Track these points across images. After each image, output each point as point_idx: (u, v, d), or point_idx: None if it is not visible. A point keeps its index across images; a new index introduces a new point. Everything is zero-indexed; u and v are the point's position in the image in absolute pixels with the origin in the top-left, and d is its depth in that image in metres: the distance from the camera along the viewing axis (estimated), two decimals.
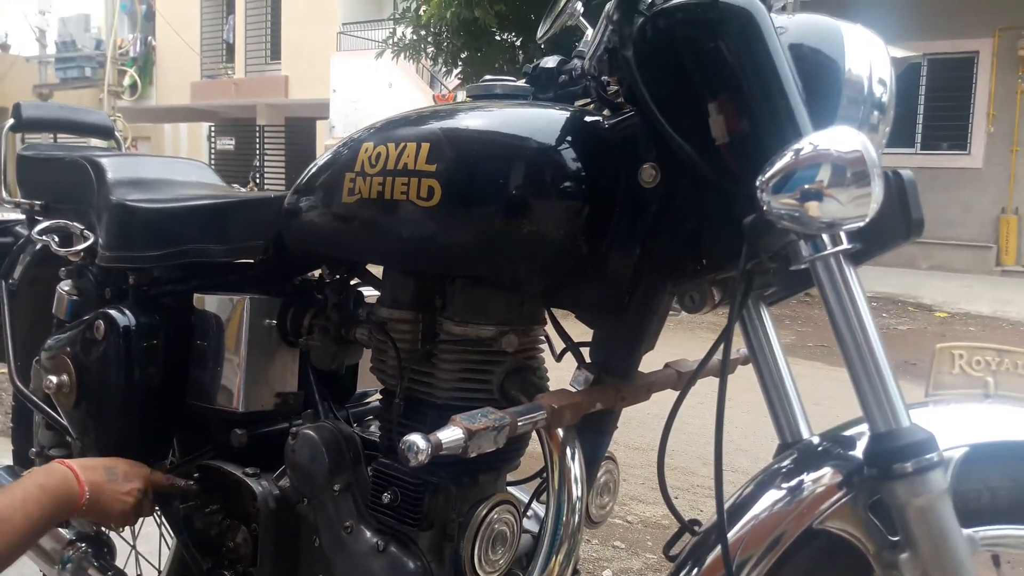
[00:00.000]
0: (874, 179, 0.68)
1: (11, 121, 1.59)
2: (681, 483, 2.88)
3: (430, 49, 6.89)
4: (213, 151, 16.39)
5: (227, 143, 16.31)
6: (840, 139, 0.69)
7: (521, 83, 1.06)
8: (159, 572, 1.60)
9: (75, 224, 1.39)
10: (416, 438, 0.72)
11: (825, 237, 0.74)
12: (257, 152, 15.43)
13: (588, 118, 0.94)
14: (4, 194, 1.60)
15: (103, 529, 1.33)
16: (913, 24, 9.63)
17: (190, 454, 1.25)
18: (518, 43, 6.51)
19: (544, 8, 1.11)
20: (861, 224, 0.70)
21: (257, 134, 15.76)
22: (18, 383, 1.48)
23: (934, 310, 7.30)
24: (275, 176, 15.02)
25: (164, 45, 17.35)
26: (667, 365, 1.06)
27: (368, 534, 0.98)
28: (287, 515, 1.07)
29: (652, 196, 0.87)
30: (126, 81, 17.24)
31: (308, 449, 1.02)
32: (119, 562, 1.37)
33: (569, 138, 0.90)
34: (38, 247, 1.51)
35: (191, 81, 16.81)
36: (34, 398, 1.44)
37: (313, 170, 1.05)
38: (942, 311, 7.25)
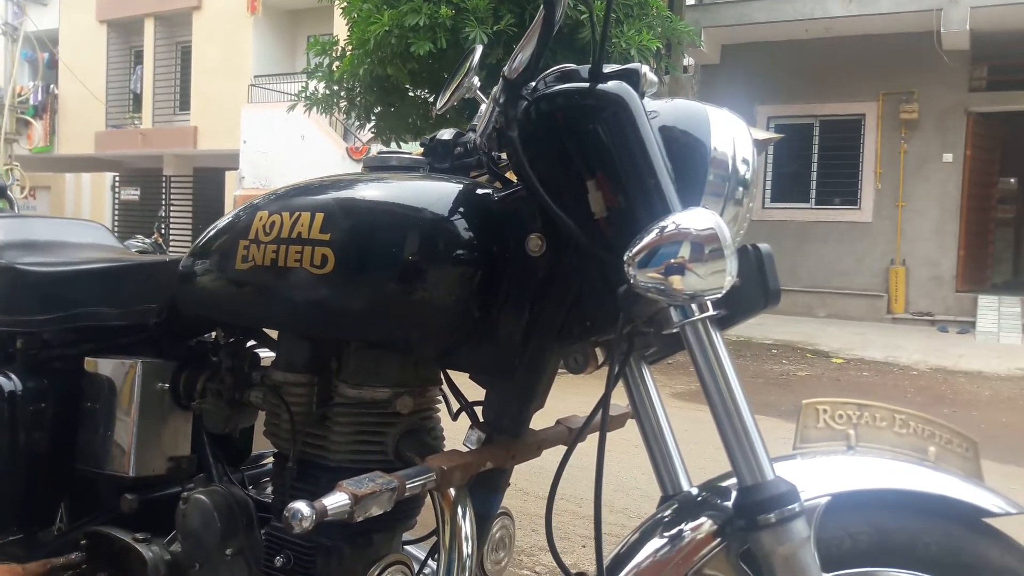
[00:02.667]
0: (728, 255, 0.75)
1: None
2: (591, 532, 2.91)
3: (343, 103, 6.92)
4: (117, 201, 15.89)
5: (132, 193, 15.84)
6: (698, 219, 0.75)
7: (418, 154, 1.10)
8: None
9: None
10: (300, 505, 0.73)
11: (692, 304, 0.80)
12: (163, 203, 15.04)
13: (479, 191, 0.99)
14: None
15: None
16: (807, 88, 10.25)
17: (78, 520, 1.22)
18: (431, 99, 6.60)
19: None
20: (718, 295, 0.77)
21: (163, 184, 15.39)
22: None
23: (831, 356, 7.63)
24: (181, 227, 14.65)
25: (67, 93, 16.85)
26: (558, 422, 1.11)
27: None
28: None
29: (539, 264, 0.93)
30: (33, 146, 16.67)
31: (199, 514, 1.01)
32: None
33: (461, 209, 0.95)
34: None
35: (95, 131, 16.35)
36: None
37: (209, 235, 1.06)
38: (838, 357, 7.58)
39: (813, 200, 10.76)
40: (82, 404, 1.19)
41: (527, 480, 3.22)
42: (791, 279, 10.05)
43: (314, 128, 11.93)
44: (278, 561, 0.97)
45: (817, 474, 0.89)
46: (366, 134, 8.67)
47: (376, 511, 0.79)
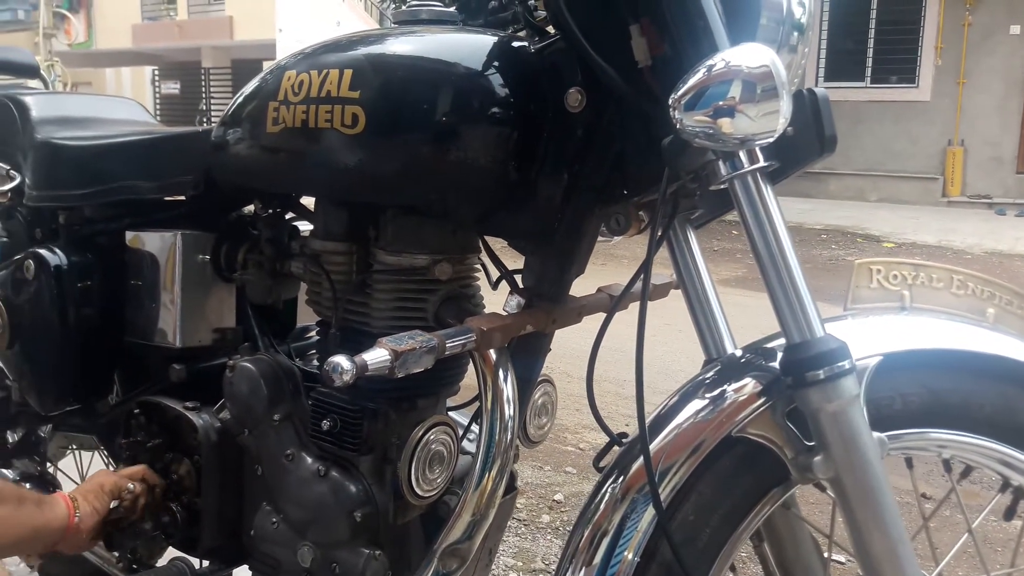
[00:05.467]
0: (782, 95, 0.69)
1: None
2: (631, 411, 2.95)
3: None
4: (158, 95, 15.92)
5: (172, 87, 15.83)
6: (750, 55, 0.70)
7: (450, 9, 1.05)
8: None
9: (0, 165, 1.36)
10: (340, 359, 0.73)
11: (742, 155, 0.76)
12: (203, 95, 15.00)
13: (515, 43, 0.94)
14: None
15: (48, 468, 1.34)
16: None
17: (131, 391, 1.25)
18: None
19: None
20: (771, 140, 0.72)
21: (203, 77, 15.31)
22: None
23: (882, 241, 7.47)
24: None
25: None
26: (600, 289, 1.08)
27: (309, 461, 1.00)
28: (229, 446, 1.09)
29: (578, 120, 0.88)
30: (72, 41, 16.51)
31: (246, 381, 1.03)
32: None
33: (496, 63, 0.90)
34: None
35: (132, 24, 16.19)
36: None
37: (238, 101, 1.03)
38: (890, 241, 7.42)
39: (868, 79, 10.29)
40: (127, 278, 1.20)
41: (569, 364, 3.25)
42: (843, 162, 9.73)
43: (349, 13, 11.63)
44: (325, 425, 0.98)
45: (868, 334, 0.86)
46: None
47: (416, 369, 0.79)
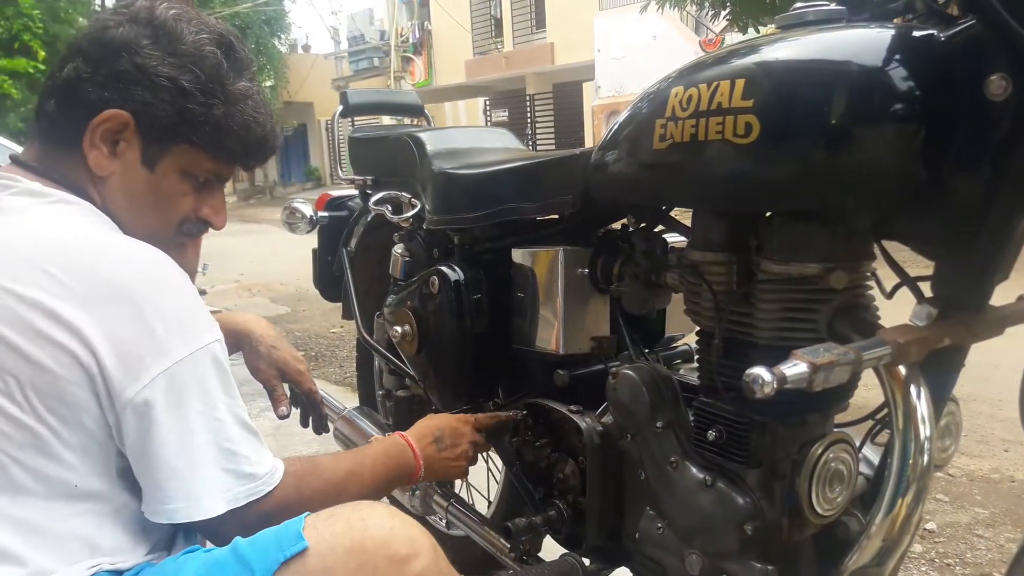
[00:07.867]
0: None
1: (340, 108, 1.80)
2: (1013, 436, 2.60)
3: None
4: (489, 123, 17.27)
5: (501, 115, 17.11)
6: None
7: (833, 6, 1.00)
8: (488, 502, 1.76)
9: (403, 194, 1.55)
10: (761, 371, 0.72)
11: None
12: (529, 121, 15.99)
13: (915, 33, 0.86)
14: (341, 172, 1.83)
15: None
16: None
17: (514, 394, 1.36)
18: None
19: None
20: None
21: (528, 104, 16.33)
22: (365, 335, 1.69)
23: None
24: (546, 142, 15.51)
25: (439, 27, 18.51)
26: (1020, 298, 0.96)
27: (694, 470, 1.00)
28: (612, 450, 1.13)
29: (1003, 109, 0.79)
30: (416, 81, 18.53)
31: (628, 388, 1.06)
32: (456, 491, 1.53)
33: (897, 57, 0.84)
34: (370, 217, 1.71)
35: (464, 59, 17.78)
36: (379, 347, 1.64)
37: (618, 124, 1.07)
38: None
39: None
40: (513, 290, 1.30)
41: None
42: None
43: (665, 26, 11.70)
44: (710, 435, 0.98)
45: None
46: (719, 24, 8.29)
47: (832, 383, 0.75)
